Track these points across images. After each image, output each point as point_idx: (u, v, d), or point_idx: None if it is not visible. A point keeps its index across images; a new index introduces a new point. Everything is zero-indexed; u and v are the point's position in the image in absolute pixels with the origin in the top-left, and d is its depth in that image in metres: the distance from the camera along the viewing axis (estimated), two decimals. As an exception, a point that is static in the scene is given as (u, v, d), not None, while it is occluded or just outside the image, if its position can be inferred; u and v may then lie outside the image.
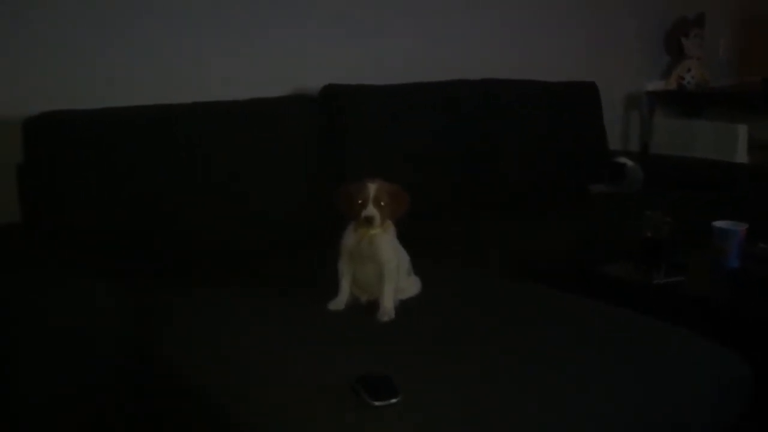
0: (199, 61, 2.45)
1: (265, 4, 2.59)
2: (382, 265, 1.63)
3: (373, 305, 1.64)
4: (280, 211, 2.25)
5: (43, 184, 1.96)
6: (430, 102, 2.71)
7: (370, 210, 1.58)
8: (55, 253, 1.78)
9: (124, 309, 1.55)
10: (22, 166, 2.00)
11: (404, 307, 1.66)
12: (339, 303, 1.66)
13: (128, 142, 2.04)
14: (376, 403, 1.20)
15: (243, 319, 1.62)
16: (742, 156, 3.49)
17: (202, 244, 2.08)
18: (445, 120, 2.73)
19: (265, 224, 2.20)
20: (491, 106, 2.89)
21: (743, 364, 1.52)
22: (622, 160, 3.13)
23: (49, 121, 1.96)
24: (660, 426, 1.37)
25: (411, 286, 1.74)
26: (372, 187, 1.59)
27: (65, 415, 1.52)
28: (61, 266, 1.69)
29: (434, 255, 1.98)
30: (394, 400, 1.21)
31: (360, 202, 1.59)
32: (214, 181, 2.14)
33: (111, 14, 2.27)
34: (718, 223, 2.12)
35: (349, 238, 1.65)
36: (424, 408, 1.22)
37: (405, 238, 1.70)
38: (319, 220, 2.22)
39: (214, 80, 2.47)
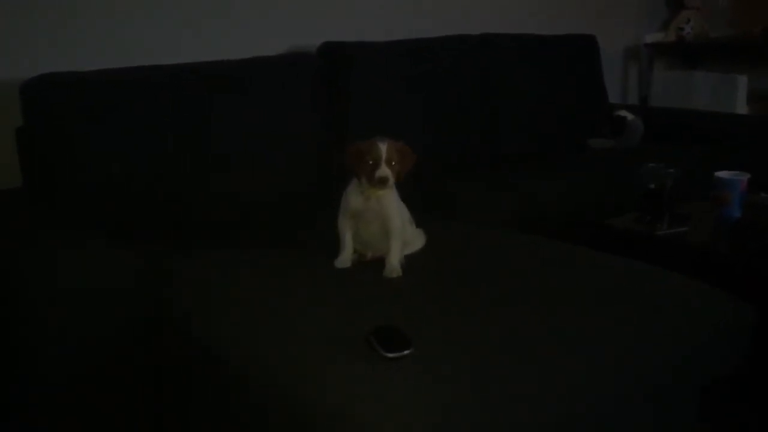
0: (193, 21, 2.41)
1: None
2: (389, 223, 1.62)
3: (379, 262, 1.64)
4: (283, 171, 2.24)
5: (43, 147, 1.94)
6: (431, 58, 2.68)
7: (384, 170, 1.55)
8: (64, 217, 1.77)
9: (139, 269, 1.55)
10: (22, 129, 1.98)
11: (411, 262, 1.66)
12: (345, 261, 1.66)
13: (125, 103, 2.01)
14: (390, 355, 1.21)
15: (252, 278, 1.62)
16: (741, 107, 3.48)
17: (207, 205, 2.07)
18: (445, 76, 2.70)
19: (269, 185, 2.19)
20: (491, 60, 2.86)
21: (742, 306, 1.54)
22: (623, 113, 3.11)
23: (47, 83, 1.93)
24: (659, 369, 1.39)
25: (416, 239, 1.74)
26: (383, 147, 1.56)
27: (79, 377, 1.53)
28: (73, 229, 1.68)
29: (439, 211, 1.98)
30: (407, 352, 1.22)
31: (371, 162, 1.57)
32: (213, 142, 2.12)
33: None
34: (720, 174, 2.12)
35: (356, 198, 1.63)
36: (437, 359, 1.23)
37: (410, 196, 1.69)
38: (322, 180, 2.22)
39: (207, 40, 2.42)
